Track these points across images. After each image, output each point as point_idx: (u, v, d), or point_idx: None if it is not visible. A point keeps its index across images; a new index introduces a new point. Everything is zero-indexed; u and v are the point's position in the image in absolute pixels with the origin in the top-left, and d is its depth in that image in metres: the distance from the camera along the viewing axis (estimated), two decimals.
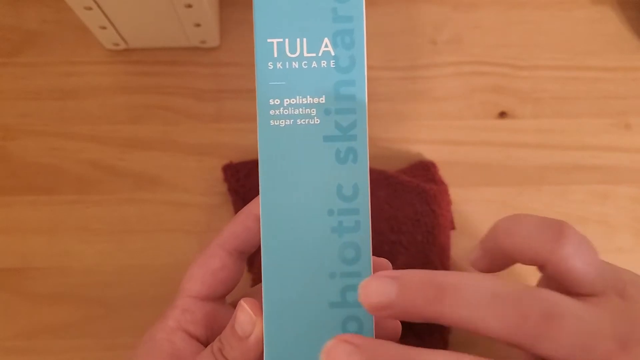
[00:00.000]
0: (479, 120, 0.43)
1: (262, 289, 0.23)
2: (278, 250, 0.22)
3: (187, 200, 0.40)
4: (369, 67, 0.44)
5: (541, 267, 0.21)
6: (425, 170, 0.40)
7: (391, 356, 0.18)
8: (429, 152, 0.42)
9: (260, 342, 0.23)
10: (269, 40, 0.22)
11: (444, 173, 0.41)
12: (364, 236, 0.23)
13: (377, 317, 0.20)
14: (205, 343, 0.26)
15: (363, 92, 0.22)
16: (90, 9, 0.36)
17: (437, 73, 0.43)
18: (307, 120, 0.22)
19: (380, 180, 0.38)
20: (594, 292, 0.20)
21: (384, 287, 0.19)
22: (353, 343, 0.18)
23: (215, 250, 0.26)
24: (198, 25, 0.39)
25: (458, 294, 0.18)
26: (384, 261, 0.26)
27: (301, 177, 0.22)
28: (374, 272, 0.22)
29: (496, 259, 0.22)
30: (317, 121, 0.22)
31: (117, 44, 0.42)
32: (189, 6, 0.37)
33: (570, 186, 0.42)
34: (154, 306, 0.39)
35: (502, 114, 0.43)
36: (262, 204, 0.23)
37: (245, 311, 0.23)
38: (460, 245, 0.40)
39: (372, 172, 0.39)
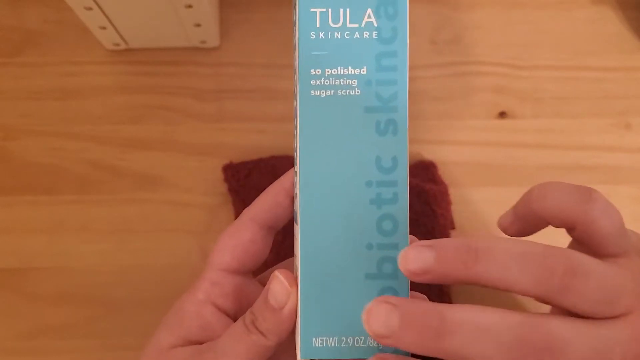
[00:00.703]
0: (479, 120, 0.43)
1: (299, 259, 0.22)
2: (315, 220, 0.22)
3: (188, 201, 0.40)
4: None
5: (571, 229, 0.22)
6: (425, 170, 0.41)
7: (424, 311, 0.19)
8: (429, 152, 0.42)
9: (294, 314, 0.23)
10: (312, 9, 0.22)
11: (444, 173, 0.41)
12: (402, 208, 0.23)
13: (417, 282, 0.20)
14: (234, 317, 0.25)
15: (405, 64, 0.23)
16: (90, 9, 0.36)
17: (437, 73, 0.43)
18: (348, 90, 0.22)
19: None
20: (618, 253, 0.21)
21: (422, 254, 0.19)
22: (391, 303, 0.19)
23: (245, 222, 0.25)
24: (198, 25, 0.39)
25: (491, 256, 0.19)
26: (413, 237, 0.26)
27: (340, 148, 0.22)
28: None
29: (528, 223, 0.23)
30: (358, 92, 0.22)
31: (117, 44, 0.42)
32: (189, 6, 0.37)
33: None
34: (155, 306, 0.39)
35: (502, 114, 0.43)
36: (300, 174, 0.22)
37: (280, 281, 0.23)
38: None
39: None
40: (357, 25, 0.22)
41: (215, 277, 0.25)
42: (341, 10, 0.22)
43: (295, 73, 0.23)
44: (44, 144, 0.41)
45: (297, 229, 0.23)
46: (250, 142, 0.42)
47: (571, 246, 0.24)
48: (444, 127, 0.42)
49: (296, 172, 0.23)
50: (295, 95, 0.23)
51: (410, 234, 0.37)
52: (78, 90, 0.42)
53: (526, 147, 0.42)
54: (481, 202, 0.41)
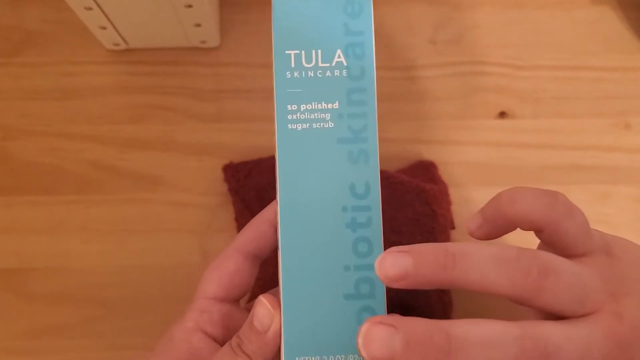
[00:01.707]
0: (479, 120, 0.43)
1: (281, 281, 0.24)
2: (296, 245, 0.24)
3: (188, 200, 0.40)
4: None
5: (539, 232, 0.23)
6: (425, 170, 0.40)
7: (427, 330, 0.19)
8: (429, 152, 0.42)
9: (278, 336, 0.24)
10: (286, 51, 0.24)
11: (444, 173, 0.41)
12: (376, 231, 0.24)
13: (395, 288, 0.20)
14: (222, 343, 0.26)
15: (373, 98, 0.25)
16: (90, 9, 0.36)
17: (437, 73, 0.43)
18: (322, 124, 0.24)
19: (380, 181, 0.38)
20: (585, 252, 0.23)
21: (400, 259, 0.20)
22: (388, 324, 0.19)
23: (231, 253, 0.27)
24: (198, 25, 0.39)
25: (468, 260, 0.20)
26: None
27: (317, 177, 0.24)
28: None
29: (496, 227, 0.24)
30: (331, 125, 0.24)
31: (117, 44, 0.42)
32: (189, 6, 0.37)
33: (571, 186, 0.42)
34: (155, 306, 0.39)
35: (502, 114, 0.43)
36: (280, 202, 0.24)
37: (264, 305, 0.24)
38: None
39: None
40: (328, 65, 0.24)
41: (203, 305, 0.26)
42: (313, 51, 0.24)
43: (274, 109, 0.24)
44: (44, 144, 0.41)
45: (279, 255, 0.24)
46: (250, 142, 0.42)
47: (540, 247, 0.25)
48: (444, 127, 0.42)
49: (277, 200, 0.25)
50: (274, 129, 0.24)
51: (410, 233, 0.37)
52: (78, 90, 0.42)
53: (526, 147, 0.42)
54: (481, 202, 0.41)
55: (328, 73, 0.24)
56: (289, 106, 0.24)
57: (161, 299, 0.39)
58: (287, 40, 0.24)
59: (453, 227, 0.40)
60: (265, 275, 0.31)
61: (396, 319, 0.19)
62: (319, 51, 0.24)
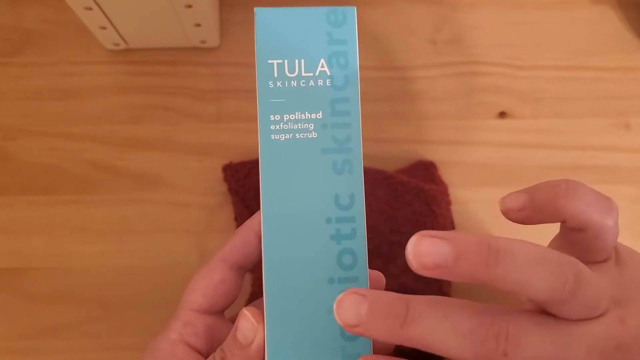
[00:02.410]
0: (478, 120, 0.43)
1: (264, 294, 0.23)
2: (279, 257, 0.24)
3: (187, 200, 0.40)
4: (368, 67, 0.44)
5: (580, 231, 0.23)
6: (424, 170, 0.40)
7: (390, 300, 0.19)
8: (429, 152, 0.42)
9: (262, 350, 0.23)
10: (269, 61, 0.24)
11: (444, 173, 0.41)
12: (360, 243, 0.24)
13: (423, 275, 0.19)
14: (206, 355, 0.26)
15: (357, 108, 0.24)
16: (90, 9, 0.36)
17: (436, 73, 0.43)
18: (305, 134, 0.24)
19: (380, 181, 0.38)
20: (604, 260, 0.23)
21: (438, 247, 0.18)
22: (359, 293, 0.20)
23: (216, 263, 0.26)
24: (198, 25, 0.39)
25: (512, 258, 0.19)
26: (378, 274, 0.26)
27: (301, 188, 0.24)
28: (370, 282, 0.24)
29: (541, 214, 0.23)
30: (314, 135, 0.24)
31: (117, 44, 0.42)
32: (189, 6, 0.37)
33: None
34: (154, 306, 0.39)
35: (502, 114, 0.43)
36: (263, 213, 0.24)
37: (247, 319, 0.23)
38: None
39: (372, 172, 0.39)
40: (311, 74, 0.24)
41: (187, 317, 0.26)
42: (296, 61, 0.24)
43: (257, 119, 0.24)
44: (44, 144, 0.41)
45: (262, 267, 0.24)
46: (250, 142, 0.42)
47: (556, 240, 0.25)
48: (444, 127, 0.42)
49: (260, 211, 0.24)
50: (258, 140, 0.24)
51: (410, 234, 0.37)
52: (78, 90, 0.42)
53: (526, 147, 0.42)
54: (481, 202, 0.41)
55: (311, 83, 0.24)
56: (272, 116, 0.24)
57: (160, 299, 0.39)
58: (269, 50, 0.24)
59: (453, 227, 0.40)
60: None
61: (367, 290, 0.20)
62: (302, 60, 0.24)
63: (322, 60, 0.24)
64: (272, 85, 0.24)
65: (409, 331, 0.19)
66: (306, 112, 0.24)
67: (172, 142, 0.41)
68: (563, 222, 0.24)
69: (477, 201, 0.41)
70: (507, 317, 0.20)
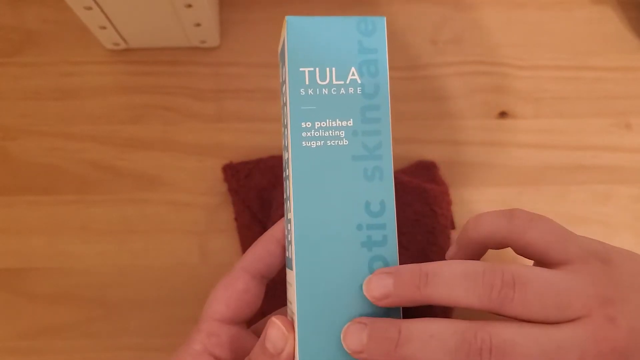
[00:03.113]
0: (479, 120, 0.43)
1: (296, 303, 0.23)
2: (310, 264, 0.24)
3: (187, 200, 0.40)
4: None
5: (511, 247, 0.25)
6: (425, 170, 0.40)
7: (386, 326, 0.22)
8: (429, 152, 0.42)
9: (291, 358, 0.23)
10: (301, 69, 0.24)
11: (444, 173, 0.41)
12: (392, 249, 0.24)
13: (382, 305, 0.22)
14: None
15: (387, 115, 0.24)
16: (90, 9, 0.36)
17: (437, 73, 0.43)
18: (336, 141, 0.24)
19: None
20: (566, 260, 0.23)
21: (383, 280, 0.22)
22: (362, 322, 0.22)
23: (238, 273, 0.26)
24: (198, 25, 0.39)
25: (438, 278, 0.22)
26: None
27: (332, 194, 0.24)
28: None
29: (470, 251, 0.26)
30: (345, 142, 0.24)
31: (117, 44, 0.42)
32: (189, 6, 0.37)
33: (571, 186, 0.42)
34: (154, 306, 0.39)
35: (503, 114, 0.43)
36: (294, 220, 0.24)
37: (277, 327, 0.23)
38: None
39: None
40: (342, 82, 0.24)
41: (211, 327, 0.26)
42: (327, 69, 0.24)
43: (286, 127, 0.24)
44: (44, 144, 0.41)
45: (292, 275, 0.24)
46: (250, 142, 0.41)
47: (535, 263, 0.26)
48: (444, 127, 0.42)
49: (289, 219, 0.24)
50: (287, 147, 0.24)
51: (411, 234, 0.37)
52: (77, 90, 0.42)
53: (526, 147, 0.42)
54: (481, 202, 0.41)
55: (342, 91, 0.24)
56: (303, 123, 0.24)
57: (161, 299, 0.39)
58: (301, 58, 0.24)
59: (453, 227, 0.40)
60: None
61: (368, 319, 0.22)
62: (333, 69, 0.24)
63: (353, 69, 0.24)
64: (303, 93, 0.24)
65: (402, 351, 0.21)
66: (337, 120, 0.24)
67: (172, 142, 0.41)
68: (490, 248, 0.26)
69: (478, 201, 0.41)
70: (490, 329, 0.21)
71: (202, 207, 0.40)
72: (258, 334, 0.27)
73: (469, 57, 0.44)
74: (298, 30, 0.24)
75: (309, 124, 0.24)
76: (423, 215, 0.37)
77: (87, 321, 0.38)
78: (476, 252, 0.26)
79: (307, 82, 0.24)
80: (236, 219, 0.40)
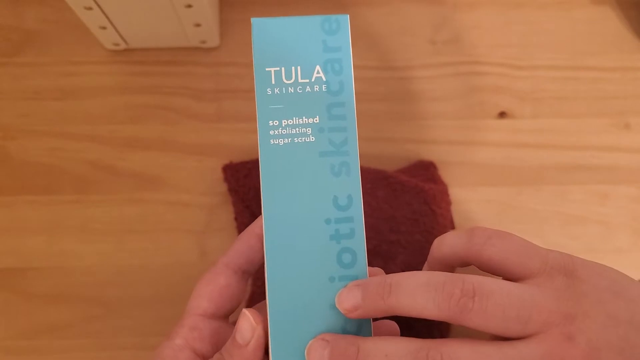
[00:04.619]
0: (478, 120, 0.43)
1: (267, 293, 0.24)
2: (281, 258, 0.24)
3: (187, 200, 0.40)
4: (368, 67, 0.44)
5: (474, 264, 0.25)
6: (424, 170, 0.41)
7: (346, 344, 0.23)
8: (429, 152, 0.42)
9: (259, 349, 0.24)
10: (267, 69, 0.25)
11: (444, 173, 0.41)
12: (359, 242, 0.25)
13: (353, 317, 0.23)
14: None
15: (352, 112, 0.25)
16: (90, 9, 0.37)
17: (436, 73, 0.43)
18: (303, 138, 0.25)
19: (380, 180, 0.38)
20: (530, 274, 0.23)
21: (352, 292, 0.23)
22: (325, 340, 0.23)
23: (220, 268, 0.27)
24: (198, 25, 0.39)
25: (401, 288, 0.22)
26: (378, 270, 0.28)
27: (300, 190, 0.25)
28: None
29: (438, 270, 0.26)
30: (312, 139, 0.25)
31: (117, 44, 0.42)
32: (189, 6, 0.37)
33: (570, 186, 0.42)
34: (154, 306, 0.39)
35: (502, 114, 0.43)
36: (264, 215, 0.25)
37: (246, 318, 0.24)
38: None
39: (372, 172, 0.39)
40: (308, 81, 0.25)
41: (193, 322, 0.26)
42: (293, 68, 0.25)
43: (257, 124, 0.25)
44: (43, 144, 0.41)
45: (265, 268, 0.25)
46: (249, 142, 0.42)
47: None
48: (444, 127, 0.42)
49: (262, 214, 0.25)
50: (258, 144, 0.25)
51: (410, 233, 0.37)
52: (77, 90, 0.42)
53: (526, 147, 0.42)
54: (481, 202, 0.41)
55: (308, 88, 0.25)
56: (270, 122, 0.25)
57: (160, 298, 0.39)
58: (267, 58, 0.25)
59: (453, 227, 0.40)
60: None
61: (334, 336, 0.23)
62: (299, 67, 0.25)
63: (318, 67, 0.25)
64: (270, 92, 0.25)
65: None
66: (304, 117, 0.25)
67: (172, 142, 0.41)
68: (455, 266, 0.27)
69: (477, 201, 0.41)
70: (443, 348, 0.21)
71: (202, 207, 0.40)
72: None
73: (467, 57, 0.44)
74: (263, 31, 0.25)
75: (276, 122, 0.25)
76: (422, 214, 0.37)
77: (86, 320, 0.39)
78: (445, 271, 0.26)
79: (273, 82, 0.25)
80: (236, 219, 0.40)
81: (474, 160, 0.42)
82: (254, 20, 0.25)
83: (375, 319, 0.26)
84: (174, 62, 0.43)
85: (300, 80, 0.25)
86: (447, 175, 0.41)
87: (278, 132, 0.25)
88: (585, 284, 0.23)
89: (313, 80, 0.25)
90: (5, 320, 0.38)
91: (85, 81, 0.42)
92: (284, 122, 0.25)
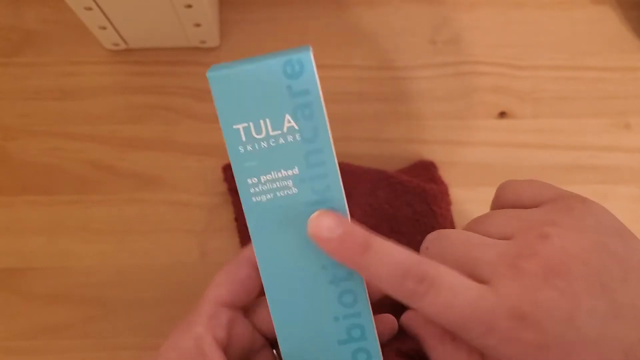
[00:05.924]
0: (479, 120, 0.43)
1: (278, 338, 0.25)
2: (286, 306, 0.26)
3: (187, 200, 0.40)
4: (368, 67, 0.44)
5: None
6: (425, 170, 0.40)
7: (359, 234, 0.23)
8: (429, 152, 0.42)
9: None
10: (234, 126, 0.24)
11: (444, 173, 0.41)
12: (358, 282, 0.25)
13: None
14: (225, 349, 0.26)
15: (331, 157, 0.24)
16: (90, 9, 0.36)
17: (436, 73, 0.43)
18: (285, 191, 0.24)
19: (380, 180, 0.38)
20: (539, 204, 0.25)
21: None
22: (340, 222, 0.23)
23: (241, 261, 0.27)
24: (198, 25, 0.39)
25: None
26: (389, 316, 0.28)
27: (291, 242, 0.25)
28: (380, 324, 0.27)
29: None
30: (295, 191, 0.24)
31: (117, 44, 0.42)
32: (189, 6, 0.37)
33: (570, 186, 0.41)
34: (154, 306, 0.39)
35: (502, 114, 0.43)
36: (262, 272, 0.25)
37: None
38: None
39: (372, 172, 0.39)
40: (279, 132, 0.24)
41: (212, 310, 0.27)
42: (261, 121, 0.24)
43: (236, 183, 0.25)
44: (43, 144, 0.41)
45: (271, 314, 0.26)
46: None
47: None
48: (444, 127, 0.42)
49: (259, 267, 0.26)
50: (241, 203, 0.25)
51: (410, 234, 0.37)
52: (77, 90, 0.42)
53: (526, 147, 0.42)
54: (481, 202, 0.41)
55: (281, 140, 0.24)
56: (249, 180, 0.24)
57: (160, 298, 0.39)
58: (232, 115, 0.24)
59: (453, 227, 0.40)
60: None
61: (345, 220, 0.24)
62: (267, 120, 0.24)
63: (287, 116, 0.24)
64: (242, 150, 0.24)
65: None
66: (282, 170, 0.24)
67: (172, 142, 0.41)
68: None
69: (477, 201, 0.41)
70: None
71: (202, 207, 0.40)
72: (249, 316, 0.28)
73: (467, 57, 0.44)
74: (223, 87, 0.23)
75: (254, 180, 0.24)
76: (422, 215, 0.37)
77: (86, 321, 0.39)
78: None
79: (243, 139, 0.24)
80: (236, 219, 0.40)
81: (474, 160, 0.42)
82: (210, 76, 0.23)
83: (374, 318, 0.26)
84: (174, 62, 0.43)
85: (271, 133, 0.24)
86: (447, 175, 0.41)
87: (258, 189, 0.24)
88: (593, 216, 0.23)
89: (285, 130, 0.24)
90: (5, 320, 0.38)
91: (85, 81, 0.42)
92: (263, 178, 0.24)
